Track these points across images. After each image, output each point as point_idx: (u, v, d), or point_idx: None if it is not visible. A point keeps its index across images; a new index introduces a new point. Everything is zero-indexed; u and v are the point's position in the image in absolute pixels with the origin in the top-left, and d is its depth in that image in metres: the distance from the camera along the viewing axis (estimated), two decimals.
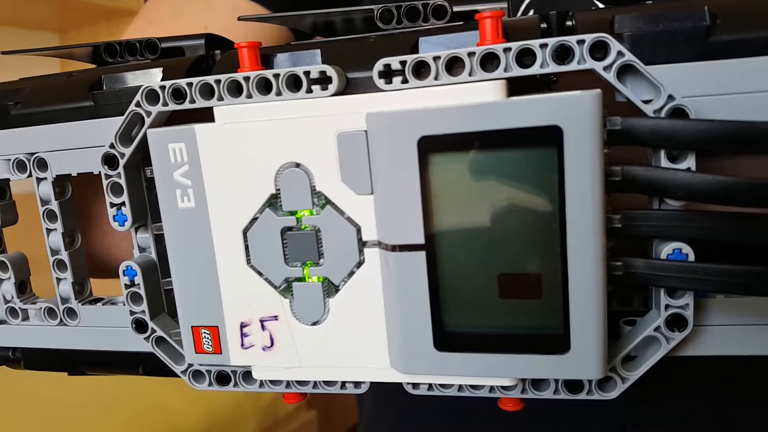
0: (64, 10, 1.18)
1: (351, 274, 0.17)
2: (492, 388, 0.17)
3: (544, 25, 0.17)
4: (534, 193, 0.15)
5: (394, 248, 0.16)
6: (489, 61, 0.16)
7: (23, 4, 1.10)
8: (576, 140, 0.14)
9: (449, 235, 0.16)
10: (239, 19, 0.22)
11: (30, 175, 0.20)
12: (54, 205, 0.20)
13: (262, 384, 0.19)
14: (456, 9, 0.19)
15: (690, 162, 0.15)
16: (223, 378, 0.19)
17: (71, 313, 0.21)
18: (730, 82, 0.15)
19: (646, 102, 0.15)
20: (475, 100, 0.15)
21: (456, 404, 0.39)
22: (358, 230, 0.16)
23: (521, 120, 0.14)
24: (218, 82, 0.17)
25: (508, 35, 0.17)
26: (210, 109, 0.17)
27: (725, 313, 0.16)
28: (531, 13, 0.33)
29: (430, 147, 0.15)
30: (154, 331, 0.19)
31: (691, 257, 0.16)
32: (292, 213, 0.17)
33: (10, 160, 0.20)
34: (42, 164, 0.20)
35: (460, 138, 0.15)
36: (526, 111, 0.14)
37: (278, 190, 0.17)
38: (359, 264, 0.17)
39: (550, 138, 0.14)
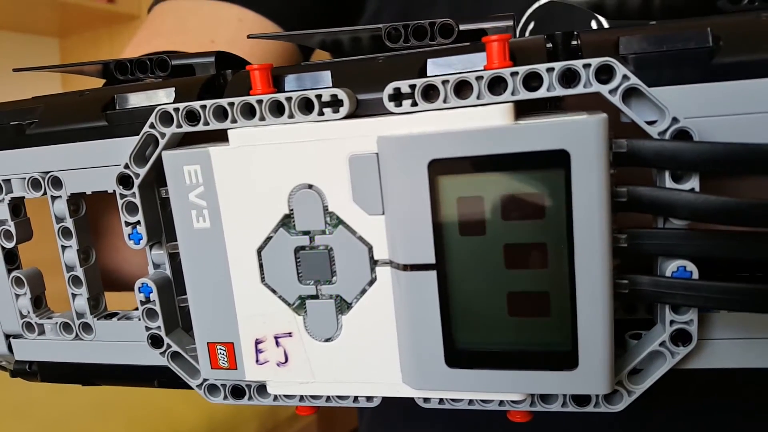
0: (65, 15, 1.18)
1: (363, 291, 0.17)
2: (502, 402, 0.18)
3: (549, 45, 0.18)
4: (542, 212, 0.15)
5: (405, 267, 0.16)
6: (497, 85, 0.16)
7: (23, 8, 1.10)
8: (583, 163, 0.15)
9: (459, 255, 0.16)
10: (249, 37, 0.22)
11: (45, 194, 0.21)
12: (69, 223, 0.21)
13: (276, 398, 0.19)
14: (462, 27, 0.20)
15: (694, 183, 0.16)
16: (237, 392, 0.20)
17: (86, 327, 0.21)
18: (734, 103, 0.16)
19: (651, 123, 0.16)
20: (484, 124, 0.15)
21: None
22: (370, 249, 0.17)
23: (529, 144, 0.15)
24: (231, 104, 0.17)
25: (515, 56, 0.17)
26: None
27: (729, 328, 0.17)
28: (532, 25, 0.33)
29: (440, 170, 0.16)
30: (169, 346, 0.20)
31: (695, 274, 0.16)
32: (306, 233, 0.17)
33: (25, 178, 0.21)
34: (57, 183, 0.20)
35: (470, 161, 0.15)
36: (534, 135, 0.15)
37: (291, 210, 0.17)
38: (371, 282, 0.17)
39: (557, 161, 0.15)
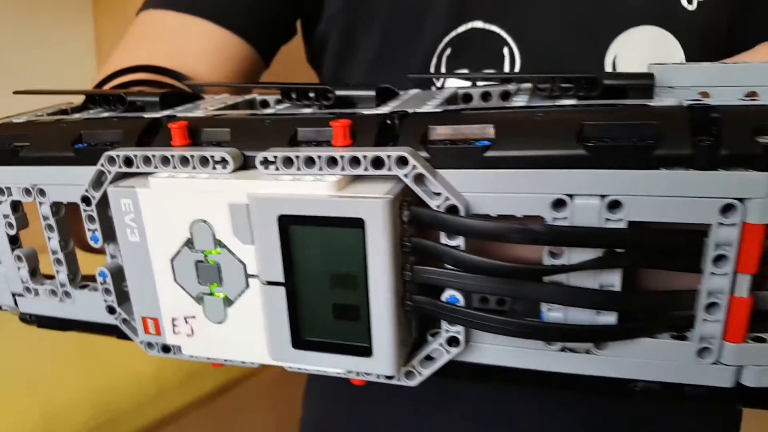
0: None
1: (241, 293, 0.25)
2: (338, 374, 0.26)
3: (389, 122, 0.24)
4: (351, 255, 0.22)
5: (265, 282, 0.24)
6: (332, 161, 0.23)
7: None
8: (373, 227, 0.21)
9: (300, 277, 0.23)
10: (198, 85, 0.29)
11: (34, 199, 0.28)
12: (52, 221, 0.28)
13: (191, 356, 0.27)
14: (338, 93, 0.26)
15: (460, 241, 0.22)
16: (166, 348, 0.28)
17: (67, 294, 0.30)
18: (497, 185, 0.22)
19: (437, 195, 0.22)
20: (317, 192, 0.22)
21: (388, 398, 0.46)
22: (245, 266, 0.24)
23: (341, 211, 0.22)
24: (153, 156, 0.24)
25: (355, 135, 0.23)
26: None
27: (488, 336, 0.24)
28: (449, 51, 0.39)
29: (287, 221, 0.23)
30: (120, 314, 0.28)
31: (462, 302, 0.23)
32: (202, 251, 0.25)
33: (19, 187, 0.28)
34: (42, 192, 0.28)
35: (306, 218, 0.22)
36: (344, 205, 0.22)
37: (192, 235, 0.24)
38: (246, 288, 0.25)
39: (358, 224, 0.22)
